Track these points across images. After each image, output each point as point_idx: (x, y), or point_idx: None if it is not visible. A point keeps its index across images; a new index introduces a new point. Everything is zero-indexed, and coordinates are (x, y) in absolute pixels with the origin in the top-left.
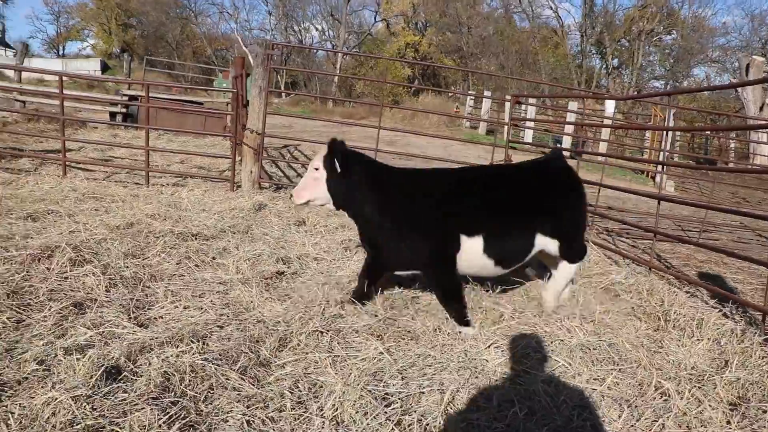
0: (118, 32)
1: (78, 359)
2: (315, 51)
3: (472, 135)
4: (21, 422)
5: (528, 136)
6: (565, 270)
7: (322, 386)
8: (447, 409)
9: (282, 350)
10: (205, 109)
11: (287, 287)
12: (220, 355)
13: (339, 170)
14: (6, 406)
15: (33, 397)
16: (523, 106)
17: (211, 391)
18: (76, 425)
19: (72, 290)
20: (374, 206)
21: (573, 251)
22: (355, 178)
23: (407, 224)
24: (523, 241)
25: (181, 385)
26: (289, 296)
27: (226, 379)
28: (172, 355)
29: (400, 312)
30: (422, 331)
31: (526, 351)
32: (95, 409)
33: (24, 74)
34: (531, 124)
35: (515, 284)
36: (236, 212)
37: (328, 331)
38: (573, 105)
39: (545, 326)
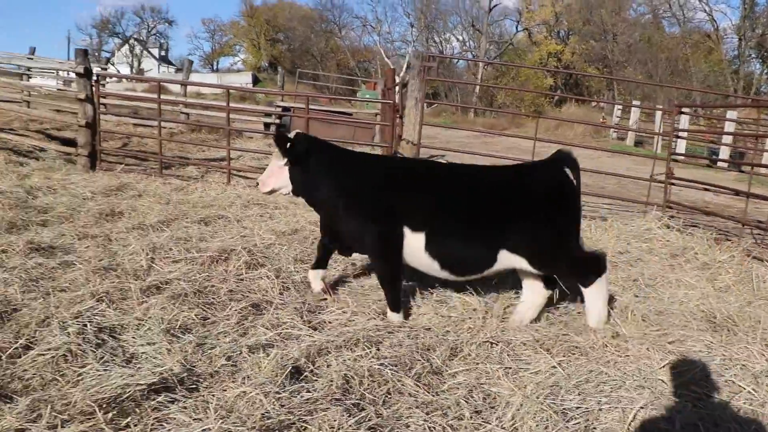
0: (267, 47)
1: (262, 357)
2: (456, 61)
3: (619, 146)
4: (218, 411)
5: (681, 147)
6: (586, 294)
7: (496, 397)
8: (629, 429)
9: (453, 359)
10: (355, 119)
11: (446, 295)
12: (394, 361)
13: (287, 159)
14: (203, 396)
15: (225, 390)
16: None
17: (389, 396)
18: (268, 419)
19: (249, 292)
20: (329, 193)
21: (571, 269)
22: (314, 167)
23: (354, 211)
24: (477, 251)
25: (360, 388)
26: (446, 303)
27: (402, 384)
28: (349, 359)
29: (566, 326)
30: (590, 346)
31: (705, 374)
32: (283, 405)
33: (181, 88)
34: (684, 134)
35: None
36: None
37: (498, 342)
38: (731, 114)
39: (723, 349)
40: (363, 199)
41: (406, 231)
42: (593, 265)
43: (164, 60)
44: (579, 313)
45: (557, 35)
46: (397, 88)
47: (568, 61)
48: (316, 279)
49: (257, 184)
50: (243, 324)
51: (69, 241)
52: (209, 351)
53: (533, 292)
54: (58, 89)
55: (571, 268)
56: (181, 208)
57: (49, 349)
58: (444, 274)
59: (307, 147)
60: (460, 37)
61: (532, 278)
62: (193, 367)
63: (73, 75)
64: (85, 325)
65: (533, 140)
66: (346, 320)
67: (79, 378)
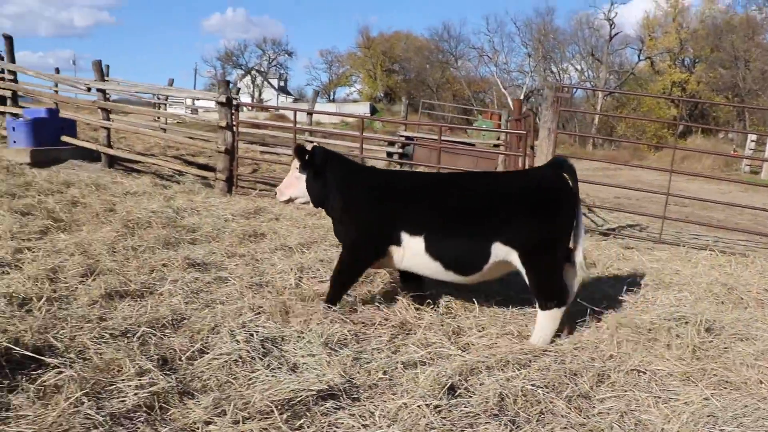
0: (383, 77)
1: (418, 373)
2: (575, 91)
3: (753, 179)
4: (385, 419)
5: None
6: (540, 317)
7: (648, 425)
8: None
9: (600, 385)
10: (479, 149)
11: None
12: (544, 382)
13: (304, 169)
14: (366, 405)
15: (386, 401)
16: None
17: (542, 416)
18: (431, 429)
19: (394, 312)
20: (339, 204)
21: (543, 281)
22: (329, 178)
23: (355, 218)
24: (473, 248)
25: (515, 406)
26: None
27: (554, 406)
28: (501, 379)
29: (713, 360)
30: (743, 381)
31: None
32: (444, 418)
33: (307, 117)
34: None
35: None
36: None
37: (645, 371)
38: None
39: None
40: (361, 212)
41: (405, 236)
42: (561, 292)
43: (283, 90)
44: (725, 348)
45: (682, 63)
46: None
47: (693, 91)
48: None
49: (276, 193)
50: (394, 342)
51: (219, 259)
52: (366, 365)
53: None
54: (188, 117)
55: (544, 280)
56: (318, 232)
57: (222, 354)
58: (449, 275)
59: (324, 159)
60: (579, 67)
61: None
62: (353, 378)
63: (197, 104)
64: (252, 335)
65: (669, 172)
66: (491, 343)
67: (251, 381)
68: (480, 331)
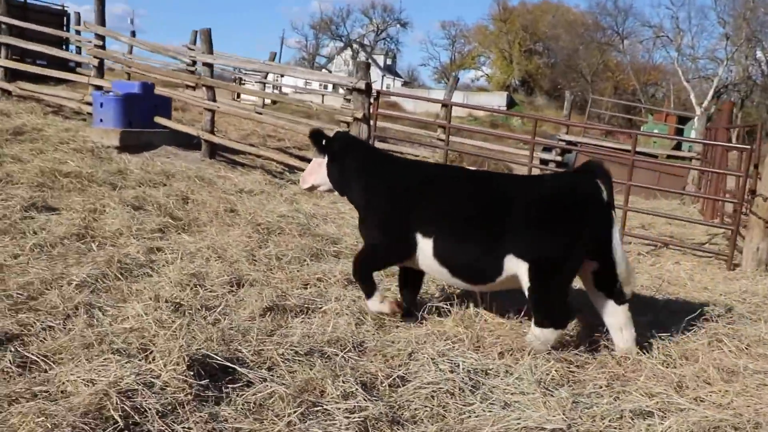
0: (521, 60)
1: (652, 425)
2: None
3: None
4: None
5: None
6: (533, 331)
7: None
8: None
9: None
10: (664, 163)
11: None
12: None
13: (320, 154)
14: None
15: None
16: None
17: None
18: None
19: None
20: (359, 192)
21: (542, 302)
22: (350, 165)
23: (374, 210)
24: (485, 258)
25: None
26: None
27: None
28: None
29: None
30: None
31: None
32: None
33: (443, 110)
34: None
35: None
36: (748, 296)
37: None
38: None
39: None
40: (380, 203)
41: (419, 236)
42: (562, 314)
43: (390, 70)
44: None
45: None
46: (696, 120)
47: None
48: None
49: (299, 180)
50: (612, 387)
51: (378, 278)
52: (587, 410)
53: (612, 315)
54: (316, 105)
55: (545, 298)
56: None
57: (428, 383)
58: (456, 282)
59: (343, 145)
60: None
61: (601, 300)
62: (575, 423)
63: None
64: (457, 365)
65: None
66: (726, 402)
67: (464, 415)
68: (707, 384)
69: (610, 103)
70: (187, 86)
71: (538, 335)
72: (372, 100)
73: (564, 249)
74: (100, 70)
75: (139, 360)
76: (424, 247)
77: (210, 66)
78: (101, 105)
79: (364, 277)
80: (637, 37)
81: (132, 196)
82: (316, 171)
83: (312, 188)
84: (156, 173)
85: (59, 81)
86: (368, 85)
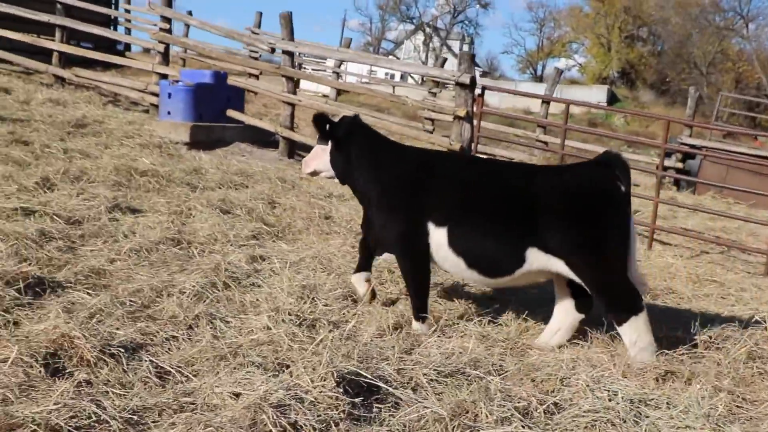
0: (621, 48)
1: None
2: None
3: None
4: None
5: None
6: (623, 333)
7: None
8: None
9: None
10: None
11: None
12: None
13: (323, 140)
14: None
15: None
16: None
17: None
18: None
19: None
20: (366, 181)
21: (606, 292)
22: (354, 152)
23: (386, 202)
24: (503, 248)
25: None
26: None
27: None
28: None
29: None
30: None
31: None
32: None
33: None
34: None
35: None
36: None
37: None
38: None
39: None
40: (393, 192)
41: (431, 227)
42: (629, 299)
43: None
44: None
45: None
46: None
47: None
48: (359, 282)
49: (301, 166)
50: None
51: (493, 294)
52: None
53: (564, 312)
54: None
55: (608, 290)
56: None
57: (587, 411)
58: (472, 275)
59: (348, 131)
60: None
61: (565, 297)
62: None
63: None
64: (615, 393)
65: None
66: None
67: None
68: None
69: (730, 99)
70: (250, 75)
71: (630, 332)
72: (476, 96)
73: (598, 239)
74: (166, 57)
75: (280, 374)
76: (439, 237)
77: (291, 54)
78: (169, 96)
79: (423, 297)
80: (765, 20)
81: (217, 199)
82: (319, 156)
83: (314, 174)
84: (234, 173)
85: (106, 66)
86: (473, 80)
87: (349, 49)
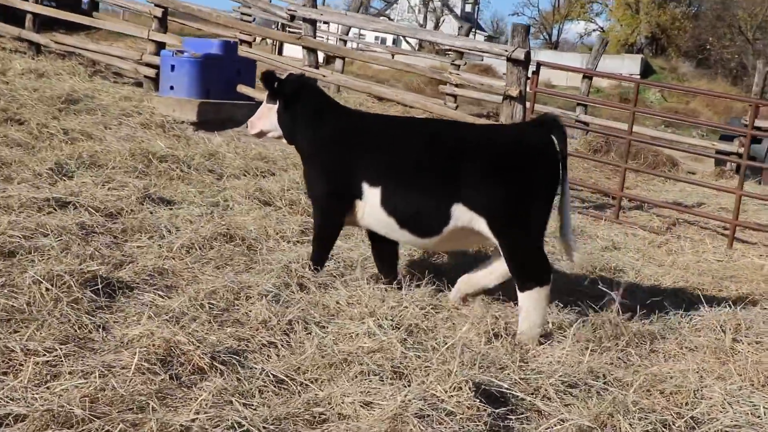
0: (650, 9)
1: None
2: None
3: None
4: None
5: None
6: (521, 300)
7: None
8: None
9: None
10: None
11: None
12: None
13: (272, 99)
14: None
15: None
16: None
17: None
18: None
19: None
20: (304, 138)
21: (516, 254)
22: (300, 110)
23: (318, 161)
24: (432, 205)
25: None
26: None
27: None
28: None
29: None
30: None
31: None
32: None
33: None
34: None
35: None
36: None
37: None
38: None
39: None
40: (322, 154)
41: (366, 188)
42: (538, 268)
43: (468, 20)
44: None
45: None
46: None
47: None
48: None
49: (246, 125)
50: None
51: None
52: None
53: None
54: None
55: (519, 253)
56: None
57: (730, 427)
58: (404, 235)
59: (296, 89)
60: None
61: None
62: None
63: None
64: (757, 407)
65: None
66: None
67: None
68: None
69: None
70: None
71: (528, 303)
72: (528, 75)
73: (523, 200)
74: (163, 23)
75: (411, 384)
76: (372, 197)
77: (313, 23)
78: (172, 68)
79: (322, 252)
80: None
81: (253, 189)
82: (266, 116)
83: (260, 134)
84: (253, 158)
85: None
86: (527, 55)
87: (386, 20)
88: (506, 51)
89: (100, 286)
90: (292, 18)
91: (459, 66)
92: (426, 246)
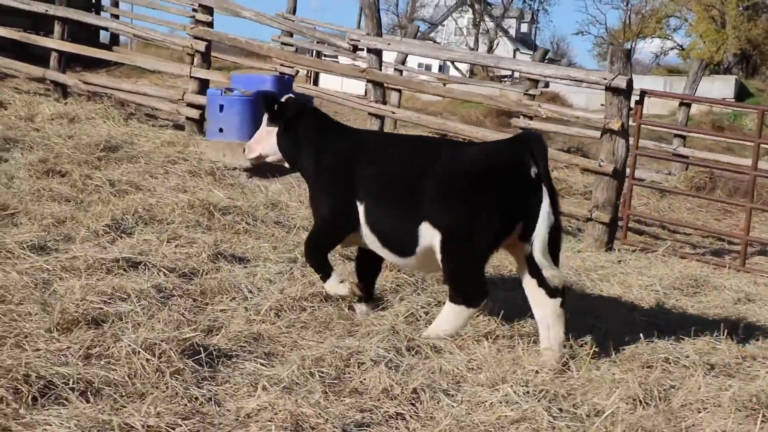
0: (738, 22)
1: None
2: None
3: None
4: None
5: None
6: (446, 307)
7: None
8: None
9: None
10: None
11: None
12: None
13: (272, 121)
14: None
15: None
16: None
17: None
18: None
19: None
20: (309, 162)
21: (457, 271)
22: (300, 133)
23: (321, 182)
24: (404, 224)
25: None
26: None
27: None
28: None
29: None
30: None
31: None
32: None
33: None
34: None
35: None
36: None
37: None
38: None
39: None
40: (328, 173)
41: (358, 205)
42: (473, 290)
43: (524, 42)
44: None
45: None
46: None
47: None
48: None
49: (243, 150)
50: None
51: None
52: None
53: (541, 307)
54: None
55: (459, 271)
56: None
57: None
58: (386, 254)
59: (297, 111)
60: None
61: (533, 290)
62: None
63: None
64: None
65: None
66: None
67: None
68: None
69: None
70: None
71: (449, 315)
72: (632, 107)
73: (476, 219)
74: (206, 57)
75: None
76: (360, 215)
77: (378, 53)
78: (221, 108)
79: (318, 259)
80: None
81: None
82: (265, 140)
83: (258, 158)
84: None
85: (86, 65)
86: (630, 83)
87: (465, 50)
88: (605, 79)
89: (203, 355)
90: (355, 49)
91: (534, 96)
92: (409, 266)
